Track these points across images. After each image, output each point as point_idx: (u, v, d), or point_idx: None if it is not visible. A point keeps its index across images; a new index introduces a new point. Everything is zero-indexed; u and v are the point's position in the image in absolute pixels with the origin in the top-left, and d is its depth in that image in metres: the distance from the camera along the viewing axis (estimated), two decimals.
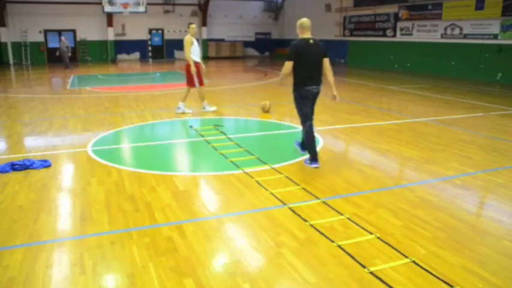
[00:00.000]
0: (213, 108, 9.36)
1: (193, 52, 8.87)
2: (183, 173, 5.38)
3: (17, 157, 5.90)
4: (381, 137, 7.18)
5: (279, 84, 5.83)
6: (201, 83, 9.10)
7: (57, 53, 21.08)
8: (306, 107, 5.60)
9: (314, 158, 5.54)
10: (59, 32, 25.10)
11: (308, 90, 5.48)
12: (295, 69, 5.39)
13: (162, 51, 27.97)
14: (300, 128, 7.77)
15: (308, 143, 5.60)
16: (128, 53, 27.18)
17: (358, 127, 7.93)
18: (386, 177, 5.21)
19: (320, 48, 5.48)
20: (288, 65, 5.35)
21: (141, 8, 24.28)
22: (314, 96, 5.61)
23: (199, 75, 9.03)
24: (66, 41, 20.98)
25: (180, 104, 9.14)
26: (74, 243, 3.52)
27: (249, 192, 4.64)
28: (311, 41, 5.40)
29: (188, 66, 8.95)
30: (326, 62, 5.50)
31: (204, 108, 9.36)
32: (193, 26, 8.97)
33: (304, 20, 5.47)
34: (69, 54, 20.73)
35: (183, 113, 9.07)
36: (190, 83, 9.04)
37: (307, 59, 5.36)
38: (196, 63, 8.94)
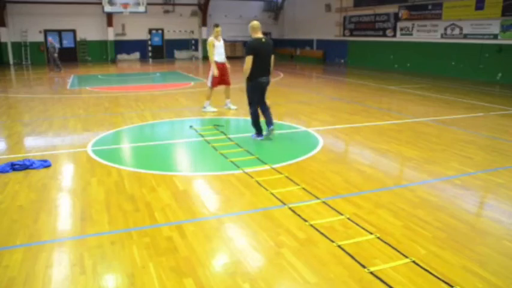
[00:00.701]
0: (213, 110, 9.38)
1: (218, 53, 9.05)
2: (183, 173, 5.38)
3: (17, 157, 5.90)
4: (381, 137, 7.19)
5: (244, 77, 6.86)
6: (213, 85, 9.19)
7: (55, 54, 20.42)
8: (256, 96, 6.80)
9: (260, 133, 6.88)
10: (59, 32, 25.14)
11: (260, 81, 6.68)
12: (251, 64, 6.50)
13: (162, 51, 27.98)
14: (301, 128, 7.78)
15: (254, 120, 6.83)
16: (128, 53, 27.18)
17: (358, 127, 7.93)
18: (386, 177, 5.21)
19: (270, 46, 6.72)
20: (249, 60, 6.48)
21: (141, 8, 24.28)
22: (265, 86, 6.81)
23: (221, 76, 9.15)
24: (53, 42, 20.19)
25: (227, 101, 9.57)
26: (74, 243, 3.52)
27: (249, 192, 4.64)
28: (263, 40, 6.61)
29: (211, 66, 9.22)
30: (272, 57, 6.78)
31: (204, 107, 9.38)
32: (217, 29, 9.01)
33: (255, 23, 6.69)
34: (56, 54, 19.77)
35: (229, 108, 9.49)
36: (223, 82, 9.26)
37: (261, 54, 6.53)
38: (220, 64, 9.09)
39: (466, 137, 7.14)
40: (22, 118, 8.90)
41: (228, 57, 9.97)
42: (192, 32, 28.26)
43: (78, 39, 25.66)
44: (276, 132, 6.99)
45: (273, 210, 4.16)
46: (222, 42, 9.15)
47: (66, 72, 19.14)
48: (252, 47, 6.50)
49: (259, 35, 6.62)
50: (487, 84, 14.66)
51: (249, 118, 8.79)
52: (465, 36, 16.73)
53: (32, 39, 24.22)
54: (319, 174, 5.22)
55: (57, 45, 20.60)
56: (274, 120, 8.60)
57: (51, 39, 20.67)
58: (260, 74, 6.62)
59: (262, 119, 6.98)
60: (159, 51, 27.86)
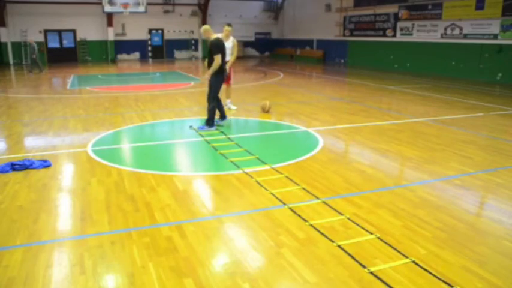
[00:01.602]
0: (234, 107, 9.62)
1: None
2: (183, 173, 5.38)
3: (17, 157, 5.90)
4: (381, 137, 7.19)
5: (204, 78, 7.66)
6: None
7: (33, 56, 19.00)
8: (219, 88, 7.62)
9: (213, 124, 7.61)
10: (59, 32, 25.13)
11: (224, 74, 7.68)
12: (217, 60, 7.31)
13: (162, 51, 27.98)
14: (301, 128, 7.78)
15: (213, 113, 7.54)
16: (128, 53, 27.19)
17: (358, 127, 7.93)
18: (386, 177, 5.21)
19: (224, 43, 7.65)
20: (219, 58, 7.27)
21: (141, 8, 24.28)
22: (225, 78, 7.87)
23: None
24: (33, 43, 19.12)
25: (227, 101, 9.56)
26: (74, 243, 3.52)
27: (249, 192, 4.64)
28: (220, 38, 7.54)
29: None
30: None
31: (225, 105, 9.44)
32: (225, 28, 8.80)
33: (208, 26, 7.58)
34: (34, 56, 18.69)
35: (229, 108, 9.47)
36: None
37: (223, 51, 7.42)
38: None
39: (466, 137, 7.14)
40: (22, 118, 8.89)
41: None
42: (192, 32, 28.25)
43: (78, 39, 25.65)
44: (276, 132, 7.09)
45: (273, 210, 4.16)
46: (229, 43, 8.76)
47: (67, 72, 19.01)
48: (218, 46, 7.34)
49: (215, 35, 7.49)
50: (487, 84, 14.66)
51: (250, 118, 8.85)
52: (465, 36, 16.72)
53: (32, 39, 24.17)
54: (319, 174, 5.22)
55: (37, 47, 19.21)
56: (275, 121, 8.62)
57: (31, 40, 19.92)
58: (223, 69, 7.56)
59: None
60: (159, 51, 27.85)
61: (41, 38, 24.63)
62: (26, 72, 18.62)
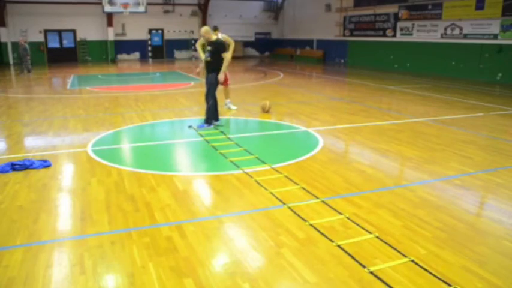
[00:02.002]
0: (234, 107, 9.58)
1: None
2: (183, 173, 5.38)
3: (17, 157, 5.90)
4: (381, 137, 7.18)
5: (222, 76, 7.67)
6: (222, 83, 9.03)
7: (28, 56, 18.54)
8: (217, 85, 7.83)
9: (217, 118, 7.85)
10: (59, 32, 25.14)
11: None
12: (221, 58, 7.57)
13: (162, 51, 27.99)
14: (301, 128, 7.78)
15: (212, 111, 7.67)
16: (128, 53, 27.19)
17: (358, 127, 7.93)
18: (386, 177, 5.21)
19: None
20: (228, 54, 7.73)
21: (141, 8, 24.29)
22: None
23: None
24: (25, 43, 18.55)
25: (227, 101, 9.62)
26: (74, 243, 3.52)
27: (249, 192, 4.64)
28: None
29: None
30: None
31: (225, 105, 9.55)
32: (215, 33, 8.80)
33: (208, 27, 7.72)
34: (29, 57, 18.27)
35: (229, 108, 9.52)
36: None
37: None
38: None
39: (466, 137, 7.14)
40: (22, 118, 8.89)
41: None
42: (192, 32, 28.26)
43: (78, 39, 25.66)
44: (276, 132, 7.10)
45: (272, 210, 4.16)
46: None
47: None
48: (224, 45, 7.64)
49: (214, 36, 7.75)
50: (487, 84, 14.65)
51: (250, 118, 8.85)
52: (465, 36, 16.72)
53: (32, 39, 24.17)
54: (319, 174, 5.22)
55: (28, 47, 18.66)
56: (275, 121, 8.62)
57: (23, 39, 19.47)
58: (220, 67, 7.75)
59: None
60: (159, 51, 27.86)
61: (41, 38, 24.64)
62: (25, 72, 18.58)
